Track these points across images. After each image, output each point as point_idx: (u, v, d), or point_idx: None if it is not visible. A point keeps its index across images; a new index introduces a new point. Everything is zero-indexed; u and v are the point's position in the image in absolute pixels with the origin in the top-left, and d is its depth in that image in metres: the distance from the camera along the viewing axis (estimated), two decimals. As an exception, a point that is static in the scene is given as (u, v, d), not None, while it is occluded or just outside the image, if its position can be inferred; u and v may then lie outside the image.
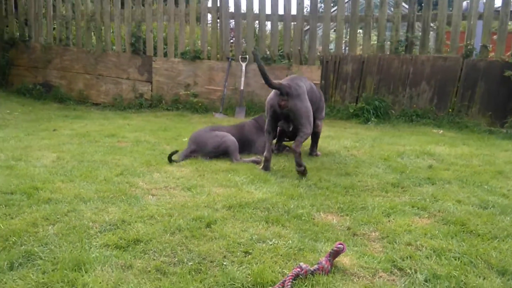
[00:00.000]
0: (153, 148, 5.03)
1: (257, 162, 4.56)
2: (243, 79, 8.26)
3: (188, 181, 3.76)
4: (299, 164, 4.02)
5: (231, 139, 4.67)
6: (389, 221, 2.99)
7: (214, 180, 3.83)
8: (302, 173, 4.01)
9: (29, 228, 2.60)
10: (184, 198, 3.33)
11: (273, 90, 4.26)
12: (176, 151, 4.44)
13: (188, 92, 8.59)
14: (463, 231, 2.81)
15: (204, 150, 4.59)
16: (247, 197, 3.37)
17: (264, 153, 4.24)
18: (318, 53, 8.37)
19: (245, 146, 4.85)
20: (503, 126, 7.22)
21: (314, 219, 3.00)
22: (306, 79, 4.64)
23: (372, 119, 7.45)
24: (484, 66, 7.35)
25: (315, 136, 4.93)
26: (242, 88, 8.26)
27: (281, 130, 4.67)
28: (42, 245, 2.43)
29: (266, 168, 4.23)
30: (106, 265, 2.26)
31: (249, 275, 2.24)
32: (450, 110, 7.60)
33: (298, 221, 2.93)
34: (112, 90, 9.10)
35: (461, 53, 7.57)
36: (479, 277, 2.26)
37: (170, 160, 4.33)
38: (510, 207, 3.24)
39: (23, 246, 2.39)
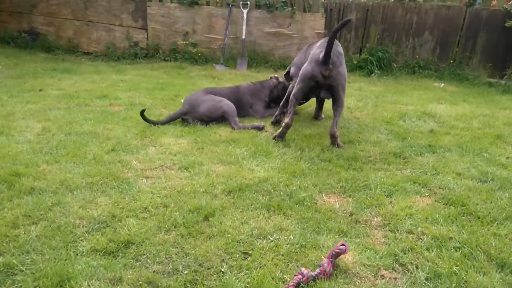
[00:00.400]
0: (149, 113, 4.68)
1: (259, 128, 4.25)
2: (244, 27, 7.69)
3: (186, 157, 3.47)
4: (338, 145, 3.80)
5: (227, 103, 4.36)
6: (391, 202, 2.87)
7: (213, 155, 3.54)
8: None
9: (9, 231, 2.35)
10: (181, 181, 3.06)
11: (312, 57, 3.82)
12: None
13: (187, 42, 8.04)
14: (464, 214, 2.76)
15: (197, 113, 4.27)
16: (248, 177, 3.13)
17: (286, 120, 3.85)
18: (322, 0, 7.77)
19: (240, 109, 4.53)
20: (502, 78, 7.13)
21: (316, 203, 2.83)
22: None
23: (376, 71, 7.23)
24: (486, 15, 7.18)
25: (322, 100, 4.58)
26: (244, 37, 7.70)
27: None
28: (23, 254, 2.18)
29: (282, 135, 3.90)
30: (94, 279, 2.03)
31: (248, 284, 2.05)
32: (451, 61, 7.47)
33: (300, 208, 2.75)
34: (104, 37, 8.53)
35: (464, 2, 7.28)
36: (480, 273, 2.19)
37: (143, 117, 4.13)
38: (509, 181, 3.22)
39: (1, 257, 2.15)
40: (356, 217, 2.67)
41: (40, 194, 2.75)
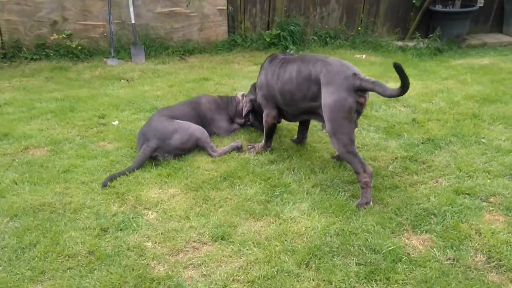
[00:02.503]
0: (86, 151, 3.62)
1: (238, 148, 3.70)
2: (131, 9, 6.48)
3: (201, 217, 2.78)
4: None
5: (198, 129, 3.66)
6: (472, 229, 2.70)
7: (229, 205, 2.93)
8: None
9: None
10: (238, 262, 2.42)
11: (342, 85, 2.87)
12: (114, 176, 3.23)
13: (60, 35, 6.43)
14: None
15: (169, 146, 3.46)
16: (302, 232, 2.67)
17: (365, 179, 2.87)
18: (221, -29, 6.99)
19: (202, 126, 3.76)
20: (411, 40, 7.52)
21: (410, 254, 2.50)
22: None
23: (291, 46, 6.91)
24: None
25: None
26: (133, 21, 6.52)
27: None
28: None
29: (368, 198, 2.91)
30: None
31: None
32: (359, 28, 7.61)
33: (405, 268, 2.37)
34: None
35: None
36: None
37: (109, 178, 3.19)
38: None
39: None
40: (464, 262, 2.42)
41: None
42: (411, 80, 2.66)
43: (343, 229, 2.66)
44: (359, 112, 2.97)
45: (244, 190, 3.09)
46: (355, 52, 7.02)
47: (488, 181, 3.21)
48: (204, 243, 2.58)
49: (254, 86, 3.87)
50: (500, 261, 2.43)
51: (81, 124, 4.16)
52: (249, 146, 3.73)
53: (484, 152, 3.64)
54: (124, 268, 2.34)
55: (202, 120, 3.88)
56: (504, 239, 2.59)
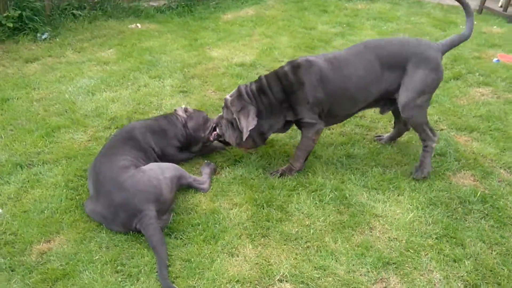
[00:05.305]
0: None
1: (214, 170, 3.16)
2: None
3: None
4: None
5: (169, 165, 2.84)
6: None
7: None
8: None
9: None
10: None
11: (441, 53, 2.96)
12: None
13: None
14: None
15: (166, 203, 2.66)
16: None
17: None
18: None
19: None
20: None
21: None
22: None
23: (45, 28, 5.69)
24: None
25: None
26: None
27: None
28: None
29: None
30: None
31: None
32: None
33: None
34: None
35: None
36: None
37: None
38: None
39: None
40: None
41: None
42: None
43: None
44: None
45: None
46: (128, 22, 6.47)
47: None
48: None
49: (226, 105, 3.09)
50: None
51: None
52: (272, 172, 3.14)
53: None
54: None
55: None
56: None
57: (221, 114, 3.13)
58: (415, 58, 2.83)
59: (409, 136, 3.56)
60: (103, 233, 2.55)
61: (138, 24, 6.46)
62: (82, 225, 2.62)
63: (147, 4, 7.23)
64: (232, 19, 6.81)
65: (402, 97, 2.88)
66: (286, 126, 3.10)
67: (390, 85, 2.91)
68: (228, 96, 3.03)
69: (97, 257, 2.39)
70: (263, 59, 5.14)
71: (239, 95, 2.96)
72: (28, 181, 3.00)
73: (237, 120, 2.93)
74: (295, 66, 2.93)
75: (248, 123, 2.86)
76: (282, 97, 2.92)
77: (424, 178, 3.02)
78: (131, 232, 2.53)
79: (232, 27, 6.39)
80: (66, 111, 3.92)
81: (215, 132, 3.20)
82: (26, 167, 3.15)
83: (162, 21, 6.65)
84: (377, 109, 3.27)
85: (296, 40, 5.80)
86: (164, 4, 7.30)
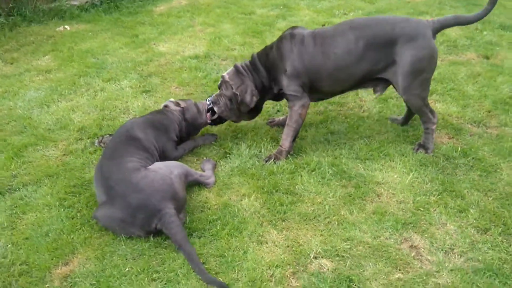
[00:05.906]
0: None
1: (215, 165, 3.14)
2: None
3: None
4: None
5: (175, 163, 2.83)
6: None
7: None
8: None
9: None
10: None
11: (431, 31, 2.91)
12: None
13: None
14: None
15: (181, 200, 2.59)
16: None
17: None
18: None
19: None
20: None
21: None
22: None
23: None
24: None
25: None
26: None
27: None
28: None
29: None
30: None
31: None
32: None
33: None
34: None
35: None
36: None
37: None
38: None
39: None
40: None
41: None
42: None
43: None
44: None
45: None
46: (53, 25, 6.07)
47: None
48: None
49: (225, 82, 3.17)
50: None
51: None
52: (266, 159, 3.15)
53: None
54: None
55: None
56: None
57: (218, 92, 3.25)
58: (403, 37, 2.81)
59: (380, 106, 3.80)
60: (123, 245, 2.42)
61: (66, 26, 6.00)
62: (97, 241, 2.46)
63: (68, 3, 6.72)
64: (166, 11, 6.58)
65: (400, 80, 2.89)
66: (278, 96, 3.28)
67: (374, 64, 2.91)
68: (225, 74, 3.17)
69: (126, 269, 2.27)
70: (215, 49, 5.08)
71: (236, 71, 3.13)
72: (16, 207, 2.73)
73: (238, 94, 3.07)
74: (279, 39, 3.12)
75: (251, 96, 3.08)
76: (269, 69, 3.12)
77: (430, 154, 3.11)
78: (150, 237, 2.44)
79: (170, 19, 6.19)
80: (25, 128, 3.58)
81: (208, 114, 3.30)
82: (7, 192, 2.85)
83: (90, 20, 6.25)
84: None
85: (240, 26, 5.79)
86: (87, 2, 6.84)
